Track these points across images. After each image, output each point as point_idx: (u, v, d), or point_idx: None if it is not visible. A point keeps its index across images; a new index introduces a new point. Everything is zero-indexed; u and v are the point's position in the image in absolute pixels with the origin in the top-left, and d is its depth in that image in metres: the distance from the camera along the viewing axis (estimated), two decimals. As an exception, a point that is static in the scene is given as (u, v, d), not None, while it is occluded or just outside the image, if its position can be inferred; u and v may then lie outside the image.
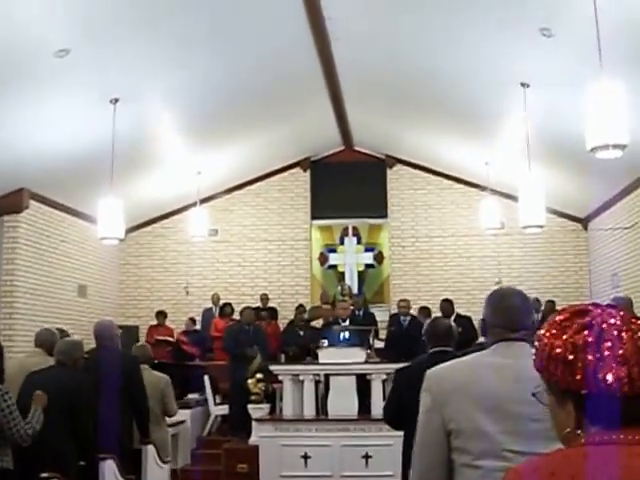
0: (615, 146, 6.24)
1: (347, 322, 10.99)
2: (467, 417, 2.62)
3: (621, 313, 1.53)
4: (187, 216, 14.84)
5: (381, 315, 13.97)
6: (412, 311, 13.28)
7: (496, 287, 3.15)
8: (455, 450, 2.64)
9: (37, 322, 11.65)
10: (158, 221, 16.00)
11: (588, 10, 6.42)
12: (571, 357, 1.49)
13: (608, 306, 1.57)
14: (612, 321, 1.50)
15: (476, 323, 12.15)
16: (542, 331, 1.59)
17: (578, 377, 1.48)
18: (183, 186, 14.19)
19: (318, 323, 12.84)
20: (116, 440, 6.41)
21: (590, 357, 1.46)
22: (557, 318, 1.58)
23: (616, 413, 1.44)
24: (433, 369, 2.84)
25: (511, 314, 2.85)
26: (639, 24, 7.27)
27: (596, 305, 1.57)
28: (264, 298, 15.02)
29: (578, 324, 1.52)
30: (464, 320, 12.43)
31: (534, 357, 1.60)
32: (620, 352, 1.45)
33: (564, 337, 1.52)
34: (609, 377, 1.44)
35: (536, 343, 1.59)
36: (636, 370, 1.45)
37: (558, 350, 1.51)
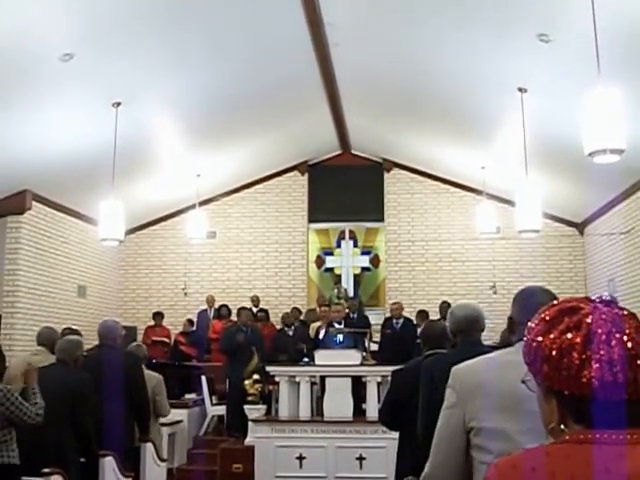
0: (612, 151, 6.29)
1: (342, 325, 11.04)
2: (488, 416, 2.62)
3: (615, 311, 1.49)
4: (186, 218, 14.94)
5: (377, 318, 14.06)
6: (405, 314, 13.39)
7: (523, 286, 3.10)
8: (475, 447, 2.65)
9: (38, 321, 11.73)
10: (157, 223, 16.11)
11: (586, 16, 6.48)
12: (556, 357, 1.47)
13: (602, 302, 1.52)
14: (602, 322, 1.46)
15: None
16: (531, 324, 1.57)
17: (562, 377, 1.46)
18: (182, 189, 14.29)
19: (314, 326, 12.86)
20: (118, 438, 6.49)
21: (575, 359, 1.44)
22: (547, 313, 1.55)
23: (599, 415, 1.43)
24: (458, 366, 2.84)
25: (537, 311, 2.86)
26: (637, 30, 7.36)
27: (589, 301, 1.53)
28: (255, 299, 15.09)
29: (567, 323, 1.49)
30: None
31: (523, 349, 1.57)
32: (607, 356, 1.42)
33: (551, 336, 1.49)
34: (593, 381, 1.42)
35: (525, 336, 1.57)
36: (621, 376, 1.42)
37: (544, 348, 1.49)
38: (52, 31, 7.96)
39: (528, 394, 2.54)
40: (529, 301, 2.88)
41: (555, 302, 1.58)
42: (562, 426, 1.50)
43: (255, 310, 14.71)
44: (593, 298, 1.54)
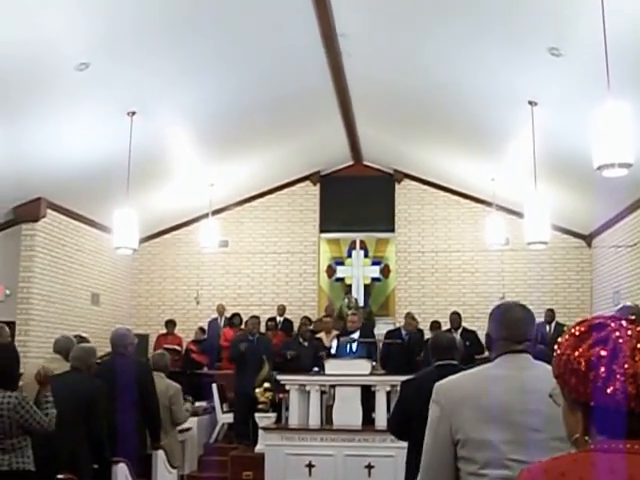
0: (621, 165, 6.33)
1: (357, 334, 11.03)
2: (473, 427, 2.69)
3: (638, 329, 1.55)
4: (199, 227, 15.09)
5: (386, 328, 14.05)
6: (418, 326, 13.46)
7: (499, 302, 3.19)
8: (461, 459, 2.71)
9: (51, 329, 11.87)
10: (170, 232, 16.20)
11: (597, 30, 6.52)
12: (584, 370, 1.53)
13: (627, 320, 1.59)
14: (628, 338, 1.53)
15: (482, 337, 12.31)
16: (562, 339, 1.62)
17: (589, 389, 1.51)
18: (195, 198, 14.40)
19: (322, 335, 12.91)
20: (130, 445, 6.56)
21: (601, 372, 1.50)
22: (576, 329, 1.61)
23: (622, 426, 1.49)
24: (441, 382, 2.91)
25: (514, 326, 2.89)
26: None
27: (615, 319, 1.59)
28: (281, 308, 15.26)
29: (594, 338, 1.55)
30: (471, 334, 12.58)
31: (553, 362, 1.63)
32: (631, 370, 1.49)
33: (580, 349, 1.55)
34: (618, 393, 1.48)
35: (556, 349, 1.63)
36: None
37: (573, 361, 1.55)
38: (68, 41, 8.08)
39: (513, 407, 2.66)
40: (505, 317, 2.98)
41: (585, 318, 1.65)
42: (586, 437, 1.56)
43: (280, 319, 14.91)
44: (618, 315, 1.63)
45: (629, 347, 1.52)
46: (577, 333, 1.60)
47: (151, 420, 7.25)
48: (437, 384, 2.91)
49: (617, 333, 1.54)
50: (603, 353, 1.52)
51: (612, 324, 1.57)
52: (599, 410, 1.51)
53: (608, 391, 1.49)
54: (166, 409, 7.75)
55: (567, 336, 1.62)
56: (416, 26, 9.03)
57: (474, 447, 2.68)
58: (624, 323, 1.57)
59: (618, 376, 1.49)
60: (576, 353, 1.56)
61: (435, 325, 13.18)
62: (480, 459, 2.65)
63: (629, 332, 1.54)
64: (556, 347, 1.63)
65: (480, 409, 2.70)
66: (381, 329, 13.66)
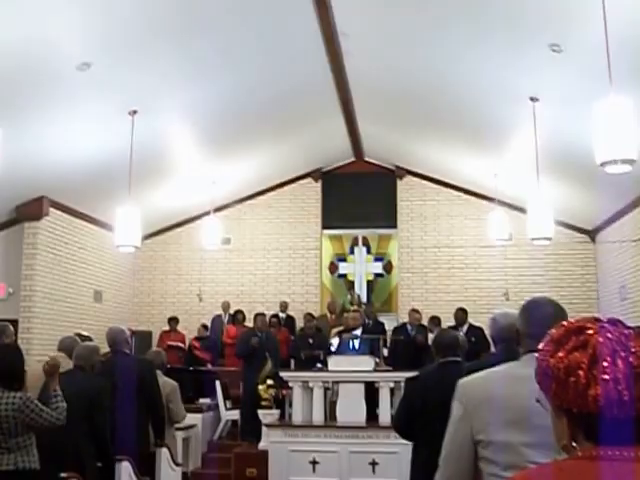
0: (624, 161, 6.31)
1: (359, 331, 11.04)
2: (495, 430, 2.64)
3: (621, 331, 1.52)
4: (201, 225, 15.05)
5: (389, 324, 14.09)
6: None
7: (530, 298, 3.04)
8: (483, 460, 2.67)
9: (54, 326, 11.91)
10: (172, 229, 16.25)
11: (598, 26, 6.51)
12: (564, 376, 1.50)
13: (610, 322, 1.55)
14: (608, 341, 1.49)
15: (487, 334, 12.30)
16: (542, 344, 1.59)
17: (570, 396, 1.49)
18: (197, 195, 14.43)
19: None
20: (133, 442, 6.57)
21: (582, 378, 1.47)
22: (555, 333, 1.58)
23: (608, 433, 1.46)
24: (466, 379, 2.85)
25: (543, 324, 2.66)
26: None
27: (597, 321, 1.55)
28: (283, 305, 15.27)
29: (574, 342, 1.52)
30: (477, 331, 12.56)
31: (535, 368, 1.61)
32: (612, 375, 1.45)
33: (559, 355, 1.53)
34: (599, 399, 1.45)
35: (537, 354, 1.60)
36: (627, 393, 1.45)
37: (552, 367, 1.53)
38: (70, 40, 8.09)
39: (535, 408, 2.51)
40: (534, 313, 2.90)
41: (564, 322, 1.61)
42: (573, 443, 1.53)
43: (282, 316, 14.94)
44: (601, 318, 1.58)
45: (609, 351, 1.48)
46: (556, 338, 1.57)
47: (155, 418, 7.25)
48: (461, 381, 2.85)
49: (597, 337, 1.51)
50: (583, 359, 1.49)
51: (592, 327, 1.54)
52: (582, 417, 1.49)
53: (590, 398, 1.46)
54: (164, 407, 7.76)
55: (546, 341, 1.59)
56: (418, 24, 9.01)
57: (496, 449, 2.64)
58: (606, 325, 1.54)
59: (599, 381, 1.46)
60: (555, 360, 1.53)
61: (434, 320, 13.18)
62: (502, 461, 2.61)
63: (609, 335, 1.51)
64: (537, 353, 1.61)
65: (502, 411, 2.66)
66: (385, 325, 13.69)
